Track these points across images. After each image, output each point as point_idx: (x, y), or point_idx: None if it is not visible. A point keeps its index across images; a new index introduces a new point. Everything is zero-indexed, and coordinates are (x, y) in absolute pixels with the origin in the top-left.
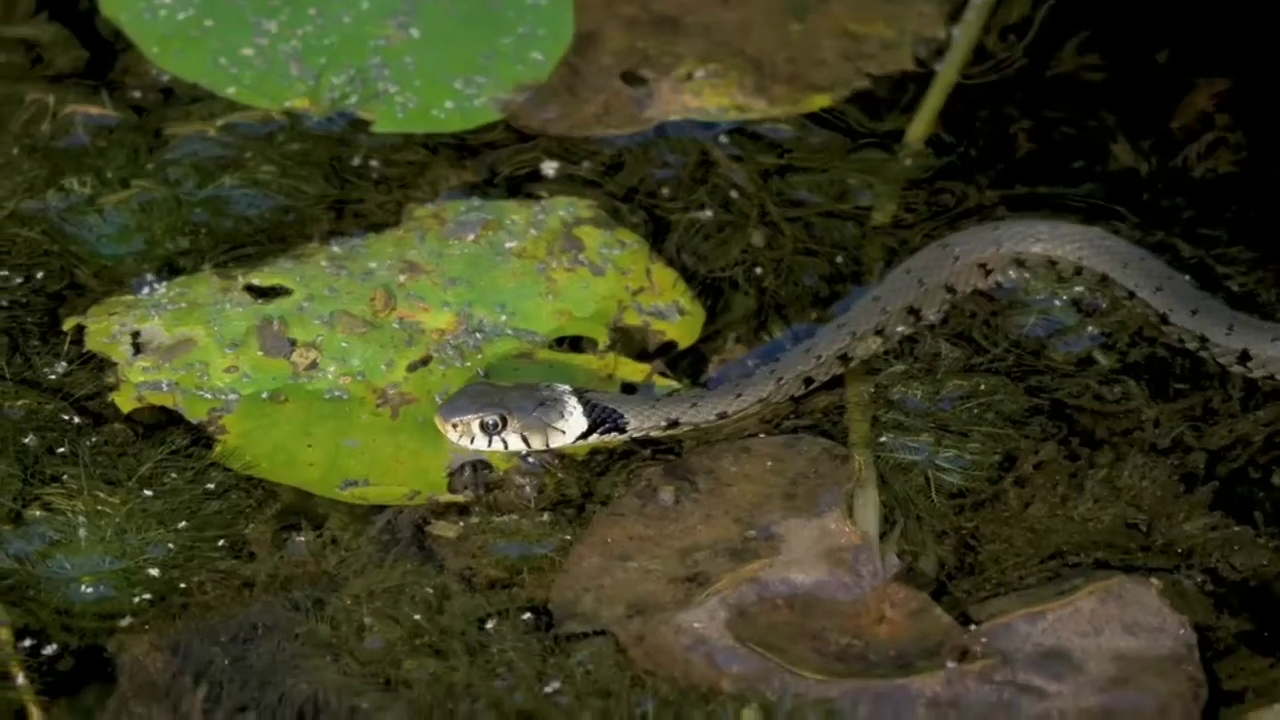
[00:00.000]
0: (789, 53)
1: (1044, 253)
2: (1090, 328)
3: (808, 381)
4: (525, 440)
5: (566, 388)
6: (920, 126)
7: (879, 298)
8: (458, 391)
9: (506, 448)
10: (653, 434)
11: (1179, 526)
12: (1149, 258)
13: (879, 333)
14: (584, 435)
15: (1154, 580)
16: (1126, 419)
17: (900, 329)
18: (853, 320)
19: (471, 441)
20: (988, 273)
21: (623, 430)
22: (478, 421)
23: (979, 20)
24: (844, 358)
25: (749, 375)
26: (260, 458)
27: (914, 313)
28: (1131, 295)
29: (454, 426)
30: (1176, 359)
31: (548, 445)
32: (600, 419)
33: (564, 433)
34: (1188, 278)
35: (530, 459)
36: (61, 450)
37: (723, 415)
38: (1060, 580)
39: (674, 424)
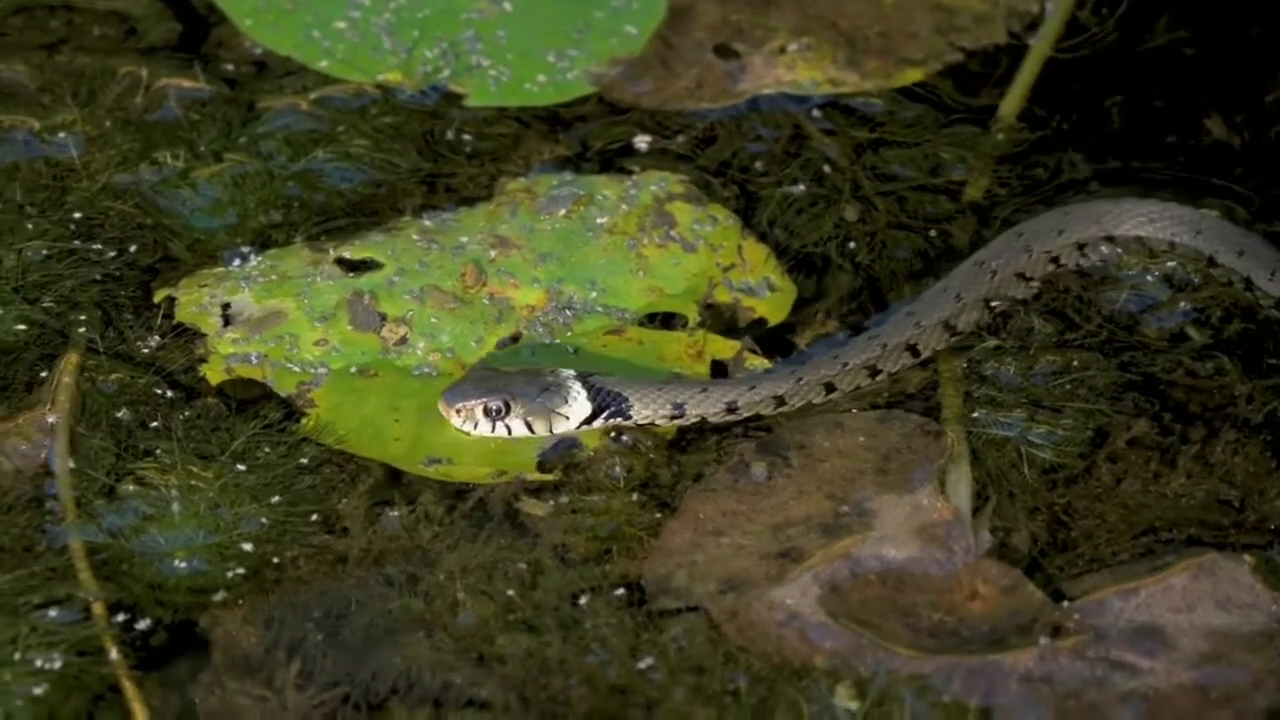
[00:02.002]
0: (882, 26)
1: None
2: (1183, 303)
3: (829, 388)
4: (529, 426)
5: (571, 373)
6: (1013, 101)
7: (913, 312)
8: (462, 376)
9: (510, 433)
10: (659, 422)
11: (1271, 503)
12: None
13: (911, 349)
14: (588, 420)
15: (1247, 557)
16: (1219, 394)
17: (940, 346)
18: (885, 332)
19: (475, 427)
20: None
21: (627, 416)
22: (481, 406)
23: None
24: (873, 370)
25: (770, 372)
26: (348, 432)
27: (951, 328)
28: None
29: (457, 411)
30: (1270, 334)
31: (551, 431)
32: (604, 403)
33: (568, 418)
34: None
35: (622, 437)
36: (155, 424)
37: (732, 407)
38: (1153, 556)
39: (680, 411)
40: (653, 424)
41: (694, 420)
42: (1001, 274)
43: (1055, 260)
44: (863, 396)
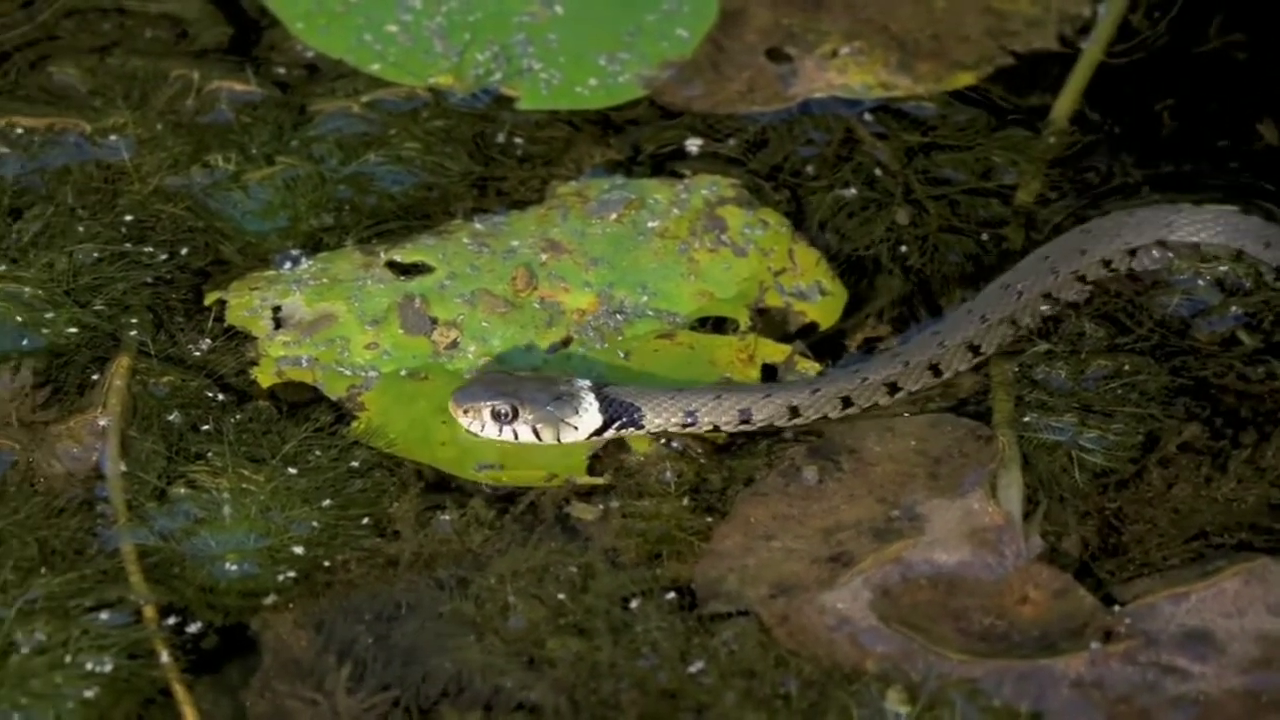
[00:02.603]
0: (933, 30)
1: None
2: (1234, 307)
3: (845, 401)
4: (536, 433)
5: (586, 383)
6: (1065, 104)
7: (939, 333)
8: (474, 377)
9: (517, 438)
10: (671, 430)
11: None
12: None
13: (933, 367)
14: (598, 432)
15: None
16: (1271, 399)
17: (961, 368)
18: (908, 351)
19: (482, 429)
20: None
21: (640, 426)
22: (489, 409)
23: None
24: (892, 386)
25: (789, 382)
26: (398, 436)
27: (974, 350)
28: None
29: (465, 411)
30: None
31: (559, 440)
32: (616, 415)
33: (576, 428)
34: None
35: (674, 442)
36: (206, 428)
37: (745, 416)
38: (1204, 561)
39: (693, 420)
40: (665, 433)
41: (706, 428)
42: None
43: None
44: (880, 412)
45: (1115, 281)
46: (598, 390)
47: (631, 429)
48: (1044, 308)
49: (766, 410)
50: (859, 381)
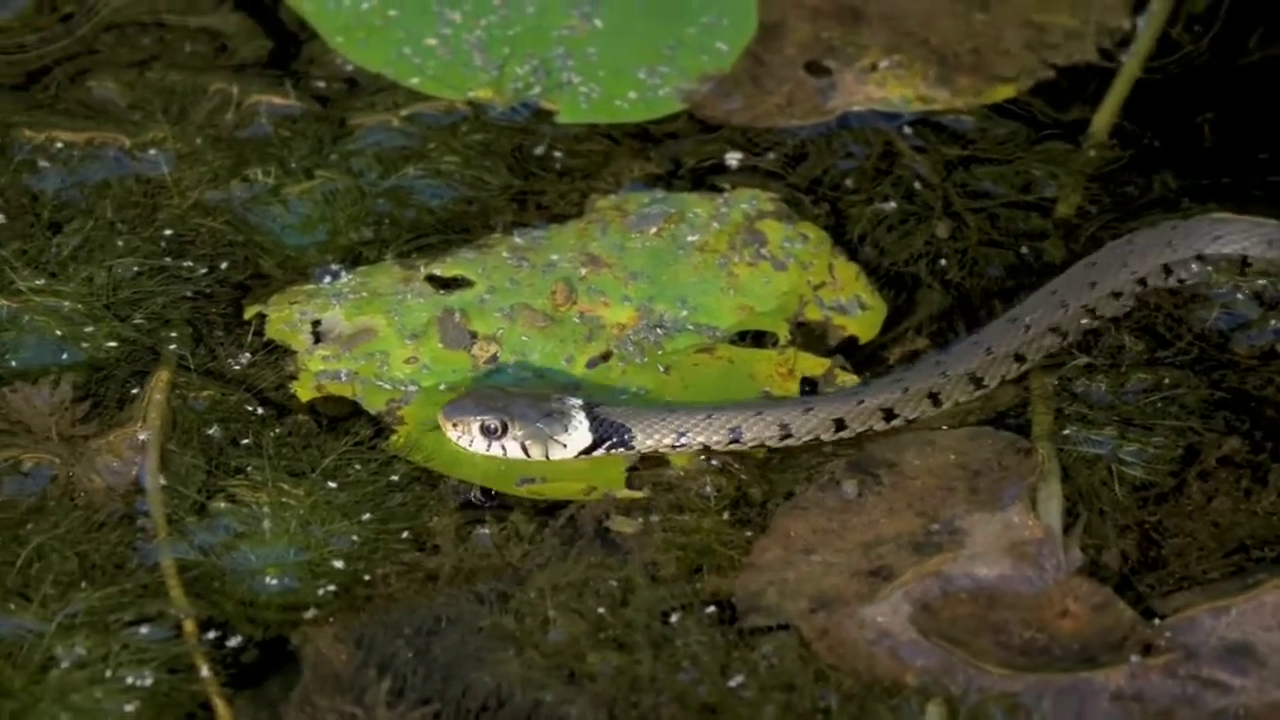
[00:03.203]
0: (973, 43)
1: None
2: (1273, 321)
3: (839, 424)
4: (525, 449)
5: (577, 402)
6: (1105, 117)
7: (941, 362)
8: (466, 391)
9: (505, 454)
10: (662, 450)
11: None
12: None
13: (932, 396)
14: (587, 451)
15: None
16: None
17: (963, 396)
18: (909, 376)
19: (471, 443)
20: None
21: (630, 446)
22: (478, 424)
23: (1163, 11)
24: (889, 412)
25: (795, 402)
26: (437, 450)
27: (977, 381)
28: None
29: (454, 425)
30: None
31: (547, 457)
32: (606, 434)
33: (565, 446)
34: None
35: (712, 460)
36: (246, 442)
37: (736, 435)
38: (1244, 574)
39: (683, 440)
40: (656, 452)
41: (697, 447)
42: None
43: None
44: (876, 435)
45: (1155, 295)
46: (589, 409)
47: (621, 449)
48: (1084, 321)
49: (756, 429)
50: (854, 404)
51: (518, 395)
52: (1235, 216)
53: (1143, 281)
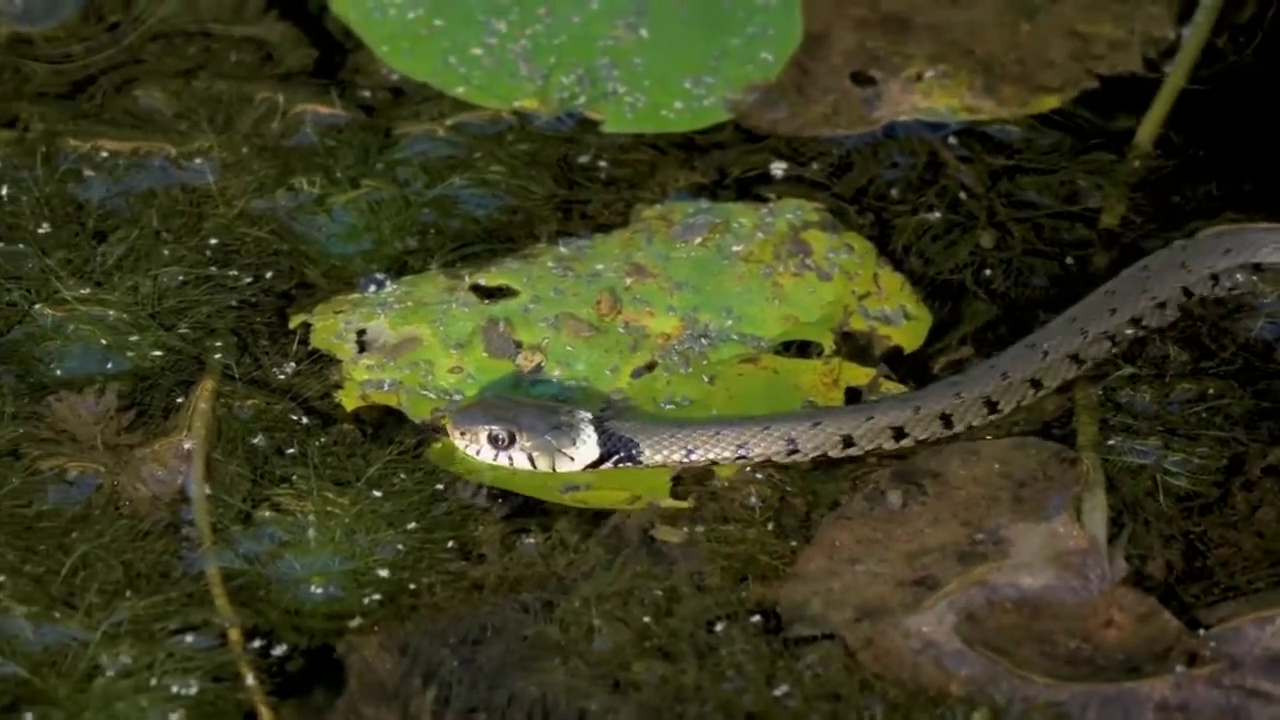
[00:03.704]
0: (1018, 53)
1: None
2: None
3: (846, 441)
4: (532, 460)
5: (587, 415)
6: (1149, 128)
7: (957, 384)
8: (475, 400)
9: (512, 464)
10: (671, 465)
11: None
12: None
13: (943, 418)
14: (595, 464)
15: None
16: None
17: (976, 420)
18: (919, 396)
19: (479, 452)
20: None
21: (638, 461)
22: (486, 433)
23: (1208, 21)
24: (899, 431)
25: (803, 416)
26: (482, 461)
27: (992, 405)
28: None
29: (462, 434)
30: None
31: (554, 469)
32: (614, 449)
33: (572, 459)
34: None
35: (757, 475)
36: (290, 451)
37: (743, 452)
38: None
39: (691, 455)
40: (664, 466)
41: (704, 464)
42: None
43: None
44: (884, 453)
45: (1200, 305)
46: (598, 423)
47: (629, 464)
48: (1129, 331)
49: (763, 446)
50: (863, 420)
51: (527, 406)
52: (1240, 227)
53: (1163, 305)
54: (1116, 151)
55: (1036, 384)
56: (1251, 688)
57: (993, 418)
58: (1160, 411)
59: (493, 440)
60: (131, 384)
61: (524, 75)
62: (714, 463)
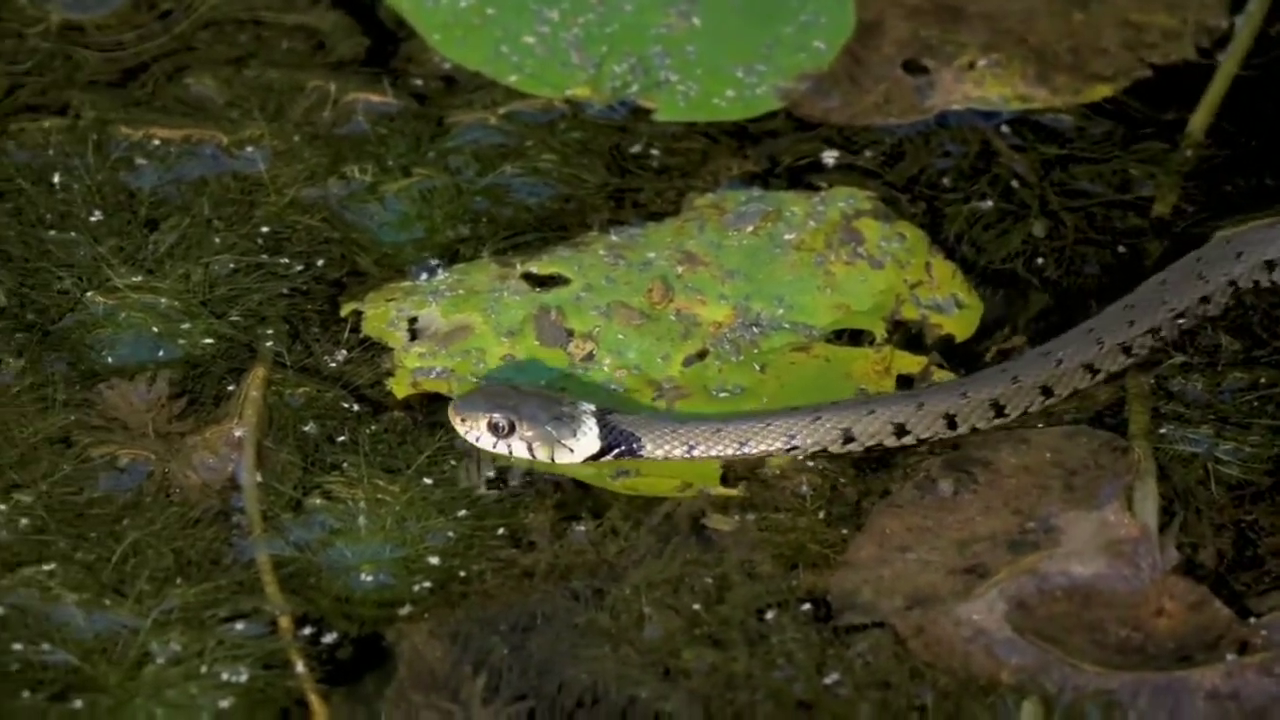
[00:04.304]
0: (1071, 42)
1: None
2: None
3: (846, 437)
4: (531, 450)
5: (590, 407)
6: (1202, 117)
7: (963, 388)
8: (478, 386)
9: (511, 453)
10: (673, 459)
11: None
12: None
13: (948, 418)
14: (595, 457)
15: None
16: None
17: (981, 422)
18: (924, 394)
19: (478, 439)
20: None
21: (639, 455)
22: (486, 420)
23: (1261, 10)
24: (900, 428)
25: (804, 411)
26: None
27: (998, 409)
28: None
29: (462, 420)
30: None
31: (553, 460)
32: (615, 442)
33: (572, 451)
34: None
35: (809, 462)
36: (341, 438)
37: (744, 448)
38: None
39: (692, 451)
40: (667, 459)
41: (703, 458)
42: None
43: None
44: (875, 450)
45: (1252, 294)
46: (600, 415)
47: (629, 457)
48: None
49: (764, 443)
50: (864, 415)
51: (530, 395)
52: (1242, 230)
53: (1181, 315)
54: (1169, 140)
55: (1048, 391)
56: None
57: (998, 421)
58: (1212, 400)
59: (493, 428)
60: (183, 371)
61: (576, 64)
62: (715, 459)
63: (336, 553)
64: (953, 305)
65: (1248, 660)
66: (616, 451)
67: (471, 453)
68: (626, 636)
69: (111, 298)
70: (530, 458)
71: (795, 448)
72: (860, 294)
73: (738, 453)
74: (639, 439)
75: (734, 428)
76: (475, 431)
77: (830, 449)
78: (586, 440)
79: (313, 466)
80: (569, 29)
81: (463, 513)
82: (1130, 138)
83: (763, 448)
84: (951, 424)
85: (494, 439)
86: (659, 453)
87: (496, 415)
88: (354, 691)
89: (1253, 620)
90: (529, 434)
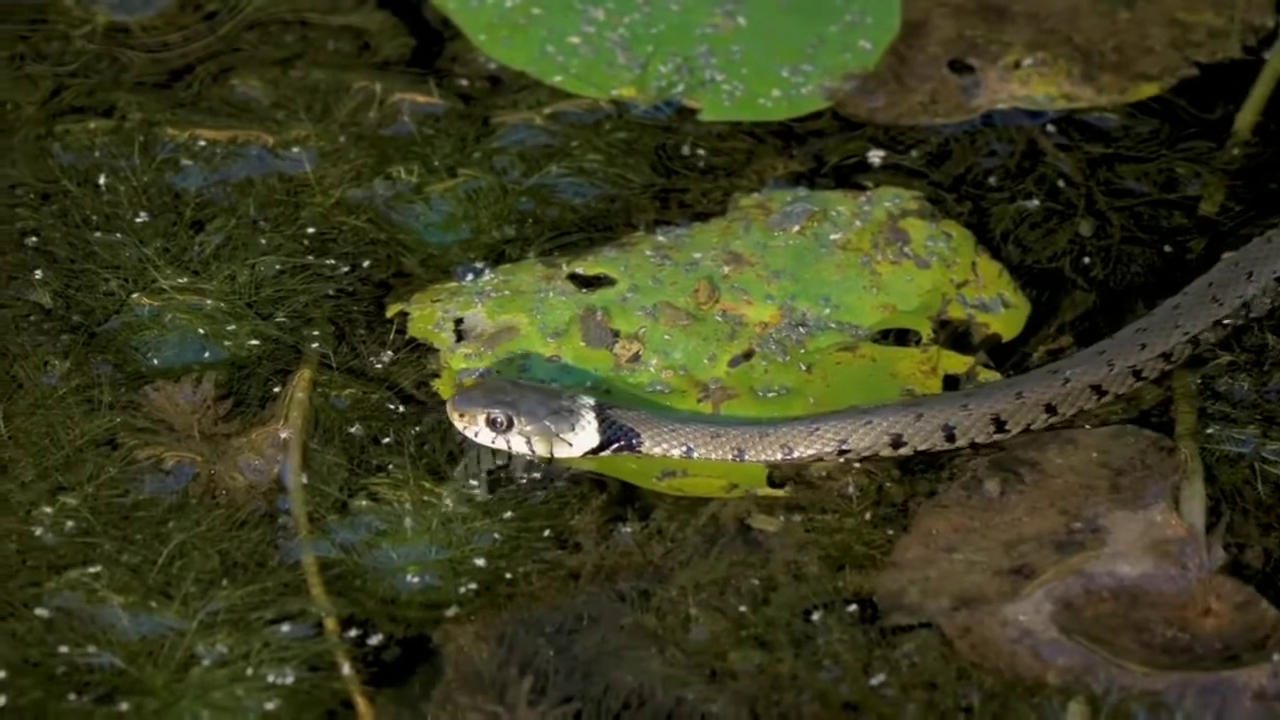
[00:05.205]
0: (1116, 41)
1: None
2: None
3: (842, 449)
4: (530, 445)
5: (590, 401)
6: (1248, 115)
7: (967, 401)
8: (477, 382)
9: (510, 448)
10: (671, 458)
11: None
12: None
13: (946, 429)
14: (594, 451)
15: None
16: None
17: (980, 437)
18: (924, 403)
19: (477, 435)
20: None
21: (638, 451)
22: (484, 415)
23: None
24: (896, 440)
25: (800, 422)
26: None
27: (998, 425)
28: None
29: (461, 415)
30: None
31: (552, 454)
32: (614, 437)
33: (570, 445)
34: None
35: (855, 464)
36: (387, 440)
37: (739, 456)
38: None
39: (689, 452)
40: (665, 456)
41: (700, 459)
42: None
43: None
44: (880, 459)
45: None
46: (599, 410)
47: (628, 452)
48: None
49: (760, 451)
50: (861, 424)
51: (529, 390)
52: (1244, 250)
53: (1195, 340)
54: (1215, 139)
55: (1051, 409)
56: None
57: (998, 436)
58: (1259, 400)
59: (491, 423)
60: (228, 373)
61: (622, 64)
62: (713, 461)
63: (382, 554)
64: (999, 305)
65: None
66: (615, 446)
67: (471, 450)
68: (673, 638)
69: (157, 299)
70: (529, 453)
71: (791, 457)
72: (906, 294)
73: (734, 459)
74: (638, 435)
75: (734, 432)
76: (473, 427)
77: (824, 458)
78: (585, 435)
79: (358, 468)
80: (614, 29)
81: (509, 514)
82: (1176, 136)
83: (754, 455)
84: (950, 437)
85: (492, 434)
86: (657, 450)
87: (495, 410)
88: (400, 693)
89: None
90: (527, 429)
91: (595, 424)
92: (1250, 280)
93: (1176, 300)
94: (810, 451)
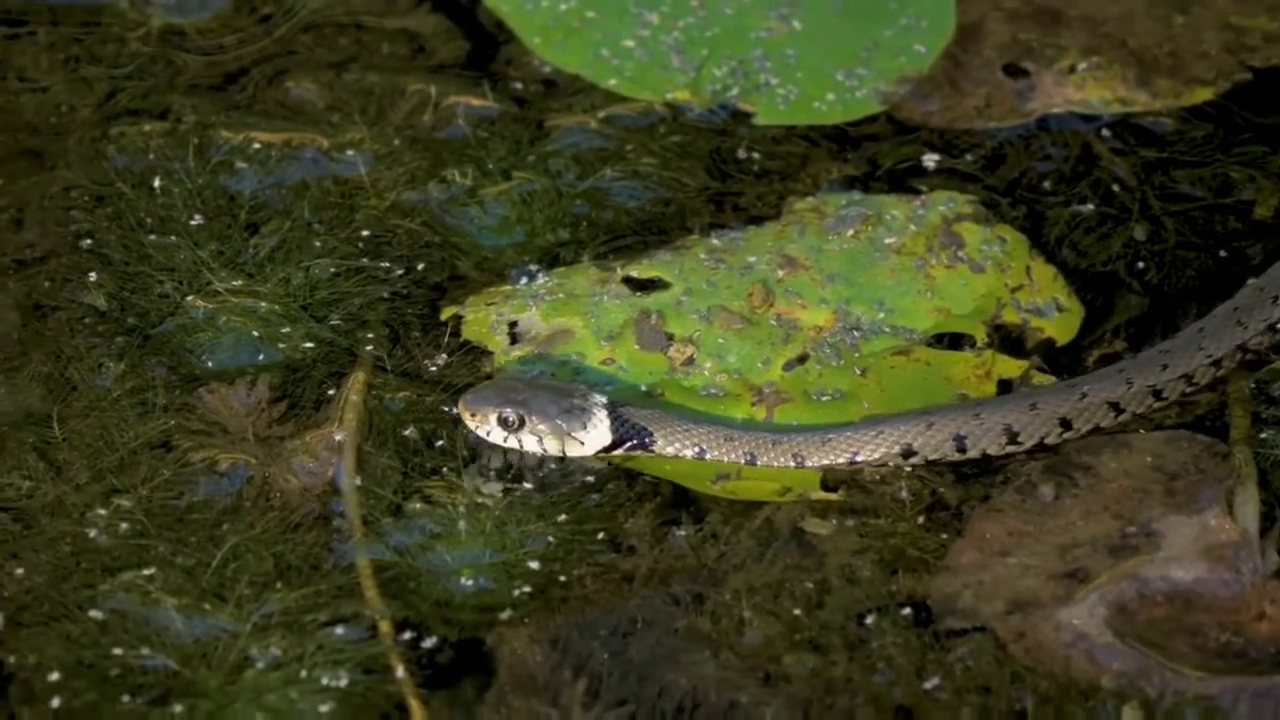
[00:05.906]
0: (1171, 45)
1: None
2: None
3: (853, 458)
4: (542, 444)
5: (602, 399)
6: None
7: (977, 412)
8: (488, 382)
9: (522, 447)
10: (683, 458)
11: None
12: None
13: (957, 439)
14: (607, 450)
15: None
16: None
17: (993, 448)
18: (933, 413)
19: (489, 434)
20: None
21: (651, 450)
22: (496, 415)
23: None
24: (908, 450)
25: (813, 431)
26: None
27: (1012, 436)
28: None
29: (472, 415)
30: None
31: (564, 453)
32: (627, 436)
33: (583, 444)
34: None
35: (909, 465)
36: (441, 443)
37: (751, 459)
38: None
39: (702, 454)
40: (675, 458)
41: (711, 461)
42: None
43: None
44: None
45: None
46: (612, 408)
47: (641, 451)
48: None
49: (771, 456)
50: (873, 435)
51: (541, 388)
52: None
53: (1218, 363)
54: (1270, 143)
55: (1066, 423)
56: None
57: (1010, 448)
58: None
59: (503, 422)
60: (283, 376)
61: (676, 67)
62: (724, 464)
63: (436, 557)
64: (1054, 309)
65: None
66: (628, 445)
67: (483, 451)
68: (727, 641)
69: (212, 302)
70: (540, 451)
71: (803, 465)
72: (961, 298)
73: (746, 463)
74: (651, 434)
75: (747, 437)
76: (485, 427)
77: (837, 463)
78: (597, 433)
79: (412, 471)
80: (669, 32)
81: (562, 517)
82: (1231, 141)
83: (766, 460)
84: (961, 448)
85: (504, 433)
86: (669, 449)
87: (506, 409)
88: (454, 696)
89: None
90: (540, 427)
91: (607, 422)
92: None
93: (1199, 324)
94: (819, 460)
